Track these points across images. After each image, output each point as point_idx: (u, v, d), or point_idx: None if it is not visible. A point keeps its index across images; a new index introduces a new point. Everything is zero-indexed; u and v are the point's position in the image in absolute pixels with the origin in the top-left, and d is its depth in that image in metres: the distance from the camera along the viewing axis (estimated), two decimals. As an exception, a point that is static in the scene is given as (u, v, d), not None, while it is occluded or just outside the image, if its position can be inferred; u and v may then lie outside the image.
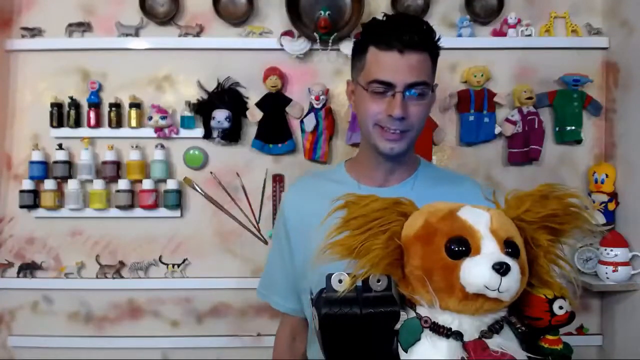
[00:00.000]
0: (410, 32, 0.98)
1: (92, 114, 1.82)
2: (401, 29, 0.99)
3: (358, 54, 1.06)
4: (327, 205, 1.07)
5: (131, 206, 1.81)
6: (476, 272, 0.64)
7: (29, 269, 1.83)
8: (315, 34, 1.76)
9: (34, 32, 1.84)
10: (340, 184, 1.12)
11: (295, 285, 1.15)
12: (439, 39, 1.05)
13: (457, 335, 0.66)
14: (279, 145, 1.83)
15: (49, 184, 1.79)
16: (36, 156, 1.80)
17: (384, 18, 1.04)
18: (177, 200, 1.82)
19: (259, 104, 1.82)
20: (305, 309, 1.16)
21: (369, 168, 1.12)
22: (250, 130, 1.85)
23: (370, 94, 1.02)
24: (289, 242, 1.14)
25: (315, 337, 1.10)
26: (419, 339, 0.66)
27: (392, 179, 1.12)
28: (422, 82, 1.01)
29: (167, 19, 1.83)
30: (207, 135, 1.82)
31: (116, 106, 1.83)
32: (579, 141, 1.84)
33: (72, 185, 1.79)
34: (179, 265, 1.84)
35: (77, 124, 1.83)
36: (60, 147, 1.81)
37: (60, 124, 1.82)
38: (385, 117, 1.01)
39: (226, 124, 1.78)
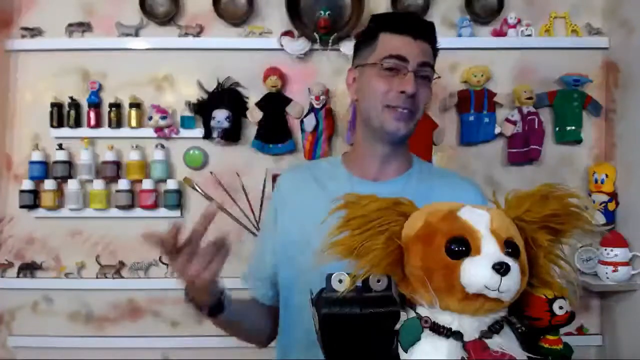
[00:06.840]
0: (422, 23, 1.07)
1: (92, 114, 1.82)
2: (413, 19, 1.10)
3: (367, 41, 1.08)
4: (318, 195, 1.09)
5: (131, 206, 1.81)
6: (476, 272, 0.64)
7: (29, 269, 1.83)
8: (315, 34, 1.76)
9: (34, 32, 1.84)
10: (332, 177, 1.12)
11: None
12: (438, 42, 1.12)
13: (457, 335, 0.65)
14: (279, 145, 1.83)
15: (49, 184, 1.79)
16: (36, 156, 1.80)
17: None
18: (177, 200, 1.82)
19: (259, 104, 1.82)
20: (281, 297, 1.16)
21: (364, 160, 1.11)
22: (250, 130, 1.85)
23: (381, 72, 1.03)
24: (276, 225, 1.13)
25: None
26: (419, 339, 0.66)
27: (386, 172, 1.10)
28: (430, 64, 1.05)
29: (167, 19, 1.84)
30: (207, 135, 1.82)
31: (116, 106, 1.83)
32: (579, 141, 1.84)
33: (72, 185, 1.79)
34: (179, 265, 1.83)
35: (77, 124, 1.83)
36: (60, 147, 1.81)
37: (60, 124, 1.82)
38: (396, 94, 1.01)
39: (226, 124, 1.78)
